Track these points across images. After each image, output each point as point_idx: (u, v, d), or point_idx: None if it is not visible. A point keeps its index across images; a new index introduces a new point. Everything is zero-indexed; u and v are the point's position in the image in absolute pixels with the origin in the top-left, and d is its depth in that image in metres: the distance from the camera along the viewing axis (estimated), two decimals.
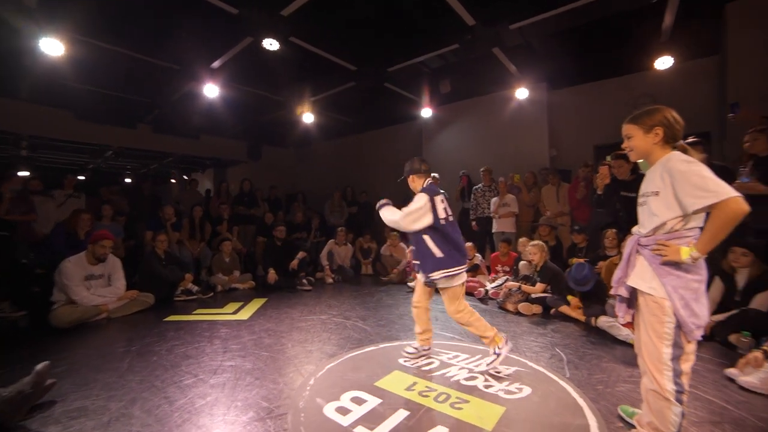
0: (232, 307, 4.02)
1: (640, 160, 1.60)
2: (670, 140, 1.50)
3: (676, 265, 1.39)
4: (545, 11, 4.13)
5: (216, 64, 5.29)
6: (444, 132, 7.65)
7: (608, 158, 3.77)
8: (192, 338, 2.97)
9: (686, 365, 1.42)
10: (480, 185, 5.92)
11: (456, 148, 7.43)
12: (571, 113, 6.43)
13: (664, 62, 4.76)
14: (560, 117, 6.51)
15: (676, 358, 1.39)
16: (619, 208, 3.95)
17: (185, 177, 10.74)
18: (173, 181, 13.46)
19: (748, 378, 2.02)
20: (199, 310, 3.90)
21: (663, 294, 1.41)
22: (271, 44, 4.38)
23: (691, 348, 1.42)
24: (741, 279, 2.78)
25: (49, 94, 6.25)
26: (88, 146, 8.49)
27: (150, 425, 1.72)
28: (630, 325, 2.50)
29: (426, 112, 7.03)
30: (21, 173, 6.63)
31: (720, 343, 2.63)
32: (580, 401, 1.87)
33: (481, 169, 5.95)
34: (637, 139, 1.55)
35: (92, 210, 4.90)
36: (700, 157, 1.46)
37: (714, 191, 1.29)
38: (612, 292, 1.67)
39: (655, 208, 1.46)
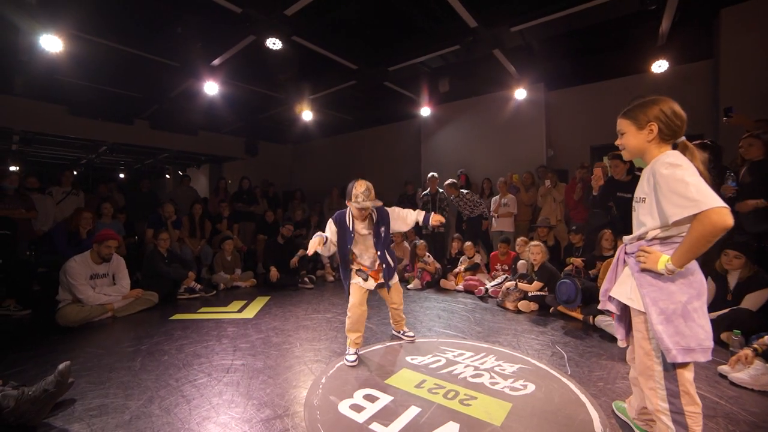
0: (236, 305, 4.06)
1: (636, 159, 1.45)
2: (668, 137, 1.33)
3: (656, 275, 1.28)
4: (546, 15, 4.20)
5: (216, 61, 5.27)
6: (442, 130, 7.71)
7: (605, 159, 3.86)
8: (200, 337, 3.01)
9: (683, 385, 1.27)
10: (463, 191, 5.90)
11: (454, 146, 7.50)
12: (568, 114, 6.53)
13: (660, 66, 4.87)
14: (558, 118, 6.62)
15: (668, 377, 1.28)
16: (612, 209, 4.07)
17: (180, 173, 10.65)
18: (168, 176, 13.35)
19: (739, 374, 2.13)
20: (203, 309, 3.93)
21: (641, 306, 1.31)
22: (274, 44, 4.39)
23: (685, 367, 1.27)
24: (732, 279, 2.90)
25: (43, 89, 6.17)
26: (82, 141, 8.38)
27: (171, 423, 1.77)
28: None
29: (425, 111, 7.09)
30: (12, 168, 6.55)
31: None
32: (583, 397, 1.97)
33: (459, 172, 5.95)
34: (629, 136, 1.39)
35: (92, 207, 4.87)
36: (702, 156, 1.32)
37: (695, 200, 1.14)
38: (600, 306, 1.59)
39: (641, 215, 1.36)
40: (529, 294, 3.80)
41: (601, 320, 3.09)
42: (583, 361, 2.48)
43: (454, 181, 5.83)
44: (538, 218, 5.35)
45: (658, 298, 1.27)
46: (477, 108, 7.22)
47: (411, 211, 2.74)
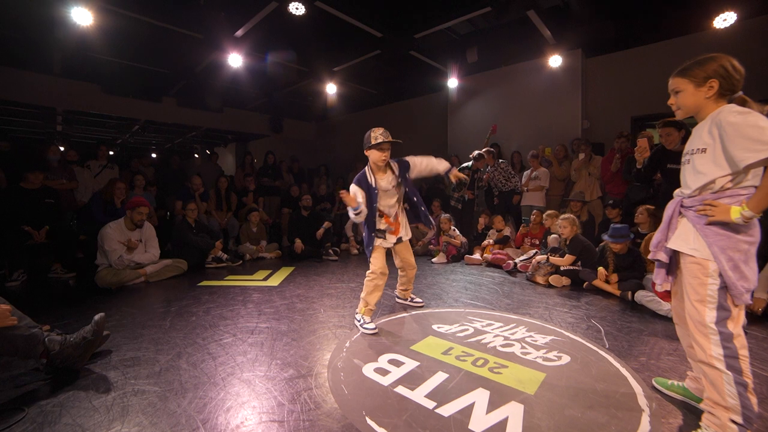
0: (261, 274, 4.12)
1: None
2: (727, 93, 1.33)
3: (725, 224, 1.28)
4: None
5: (240, 32, 5.20)
6: (470, 103, 7.37)
7: (651, 129, 3.52)
8: (226, 301, 3.06)
9: (736, 328, 1.30)
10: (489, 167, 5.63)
11: (483, 120, 7.16)
12: (607, 82, 6.05)
13: (725, 19, 4.28)
14: (595, 86, 6.14)
15: (722, 321, 1.28)
16: (660, 182, 3.75)
17: (207, 151, 10.89)
18: (196, 156, 13.72)
19: None
20: (230, 277, 4.01)
21: (707, 255, 1.31)
22: (297, 8, 4.25)
23: (738, 311, 1.31)
24: None
25: (77, 67, 6.35)
26: (116, 120, 8.68)
27: (197, 377, 1.79)
28: (667, 296, 2.41)
29: (452, 83, 6.78)
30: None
31: None
32: (623, 371, 1.83)
33: (483, 149, 5.62)
34: (687, 95, 1.38)
35: (126, 180, 5.04)
36: (760, 109, 1.29)
37: None
38: (650, 256, 1.56)
39: (700, 166, 1.34)
40: (561, 268, 3.61)
41: (642, 296, 2.88)
42: (622, 335, 2.31)
43: (492, 149, 5.58)
44: (571, 192, 5.06)
45: (726, 247, 1.28)
46: (507, 78, 6.81)
47: (432, 158, 2.65)
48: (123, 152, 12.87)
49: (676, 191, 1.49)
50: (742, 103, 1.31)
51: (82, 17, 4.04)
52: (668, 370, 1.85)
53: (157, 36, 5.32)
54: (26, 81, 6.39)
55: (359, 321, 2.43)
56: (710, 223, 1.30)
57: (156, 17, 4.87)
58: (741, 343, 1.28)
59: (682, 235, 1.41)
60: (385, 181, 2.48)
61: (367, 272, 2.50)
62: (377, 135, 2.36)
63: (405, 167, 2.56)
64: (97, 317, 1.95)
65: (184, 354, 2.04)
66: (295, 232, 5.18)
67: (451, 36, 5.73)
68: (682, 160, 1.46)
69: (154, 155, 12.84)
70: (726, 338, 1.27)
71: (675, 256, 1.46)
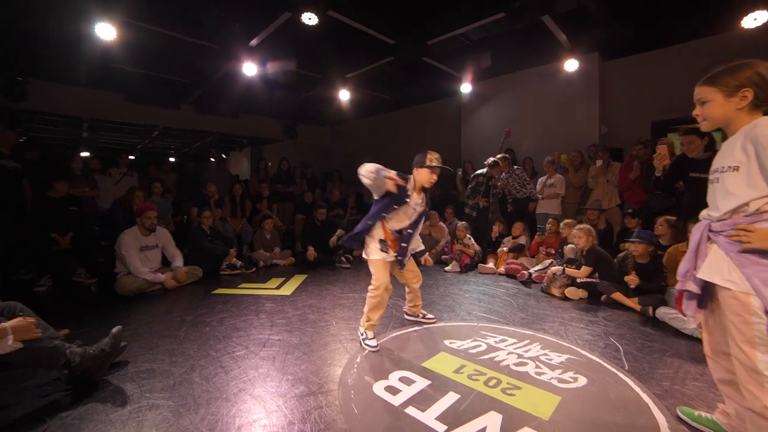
0: (274, 282, 4.16)
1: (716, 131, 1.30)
2: (762, 103, 1.20)
3: (763, 252, 1.13)
4: None
5: (254, 41, 5.29)
6: (484, 108, 7.30)
7: (671, 135, 3.40)
8: (239, 311, 3.10)
9: None
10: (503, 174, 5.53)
11: (496, 125, 7.07)
12: (626, 86, 5.89)
13: (755, 19, 4.04)
14: (614, 90, 5.99)
15: None
16: (682, 191, 3.61)
17: (212, 159, 11.10)
18: (212, 159, 14.02)
19: None
20: (243, 284, 4.07)
21: (746, 289, 1.16)
22: (309, 19, 4.28)
23: None
24: None
25: (102, 78, 6.59)
26: (137, 127, 8.97)
27: (209, 391, 1.81)
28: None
29: (465, 88, 6.72)
30: (83, 153, 7.22)
31: None
32: (644, 397, 1.76)
33: (499, 156, 5.53)
34: (715, 105, 1.25)
35: (144, 187, 5.19)
36: None
37: None
38: (678, 287, 1.41)
39: (732, 186, 1.21)
40: (578, 280, 3.52)
41: (663, 312, 2.77)
42: (643, 356, 2.23)
43: (507, 156, 5.50)
44: (588, 200, 4.94)
45: None
46: (521, 83, 6.72)
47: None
48: (143, 157, 13.27)
49: (703, 213, 1.36)
50: None
51: (106, 32, 4.21)
52: (695, 398, 1.76)
53: (175, 47, 5.46)
54: (56, 92, 6.72)
55: (362, 335, 2.39)
56: (745, 251, 1.17)
57: (174, 29, 5.00)
58: None
59: (714, 265, 1.27)
60: (415, 201, 2.44)
61: (370, 287, 2.40)
62: (433, 158, 2.39)
63: (428, 206, 2.58)
64: (114, 330, 2.01)
65: (198, 367, 2.08)
66: (308, 239, 5.22)
67: (464, 42, 5.67)
68: (710, 178, 1.33)
69: (172, 159, 13.20)
70: None
71: (708, 285, 1.32)
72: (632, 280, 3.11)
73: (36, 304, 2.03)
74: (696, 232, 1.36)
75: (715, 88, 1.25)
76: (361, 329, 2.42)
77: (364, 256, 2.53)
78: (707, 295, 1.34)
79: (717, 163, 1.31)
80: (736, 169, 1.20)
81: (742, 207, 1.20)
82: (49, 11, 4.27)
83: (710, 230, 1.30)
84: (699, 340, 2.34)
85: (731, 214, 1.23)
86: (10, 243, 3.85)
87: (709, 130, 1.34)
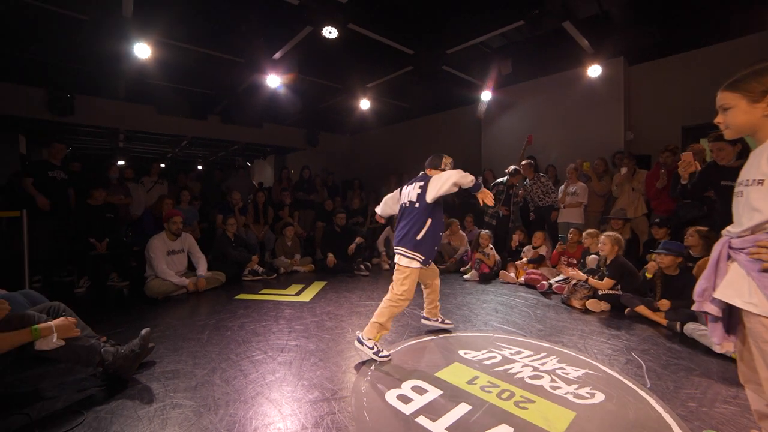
0: (294, 288, 4.26)
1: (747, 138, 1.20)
2: None
3: None
4: None
5: (277, 55, 5.50)
6: (505, 116, 7.24)
7: (703, 141, 3.25)
8: (259, 316, 3.20)
9: None
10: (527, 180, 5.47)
11: (518, 132, 6.99)
12: (654, 90, 5.70)
13: None
14: (640, 96, 5.82)
15: None
16: (714, 199, 3.45)
17: (248, 164, 11.50)
18: (239, 167, 14.53)
19: None
20: (264, 290, 4.19)
21: None
22: (330, 32, 4.42)
23: None
24: None
25: (137, 92, 7.06)
26: (168, 137, 9.47)
27: (229, 394, 1.89)
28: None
29: (486, 95, 6.70)
30: (119, 162, 7.70)
31: None
32: (667, 418, 1.69)
33: (523, 163, 5.45)
34: (738, 112, 1.17)
35: (173, 195, 5.47)
36: None
37: None
38: (695, 308, 1.32)
39: (757, 201, 1.13)
40: (600, 292, 3.41)
41: (692, 329, 2.65)
42: (668, 374, 2.14)
43: (531, 161, 5.44)
44: (612, 209, 4.78)
45: None
46: (543, 90, 6.62)
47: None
48: (173, 165, 13.94)
49: (725, 230, 1.28)
50: None
51: (143, 51, 4.53)
52: (724, 423, 1.65)
53: (203, 62, 5.77)
54: (97, 106, 7.26)
55: (371, 349, 2.23)
56: (766, 270, 1.09)
57: (202, 45, 5.29)
58: None
59: (734, 284, 1.19)
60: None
61: (393, 295, 2.33)
62: (447, 162, 2.58)
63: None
64: (143, 332, 2.15)
65: (218, 369, 2.17)
66: (328, 246, 5.32)
67: (483, 50, 5.68)
68: (735, 191, 1.24)
69: (199, 167, 13.78)
70: None
71: (732, 308, 1.22)
72: (663, 304, 2.98)
73: (75, 304, 2.23)
74: (715, 249, 1.28)
75: (739, 93, 1.17)
76: (370, 342, 2.26)
77: (388, 263, 2.56)
78: (735, 317, 1.24)
79: (743, 175, 1.23)
80: (761, 182, 1.12)
81: (765, 224, 1.12)
82: (96, 35, 4.63)
83: (731, 247, 1.22)
84: (733, 360, 2.20)
85: (752, 231, 1.15)
86: (56, 247, 4.18)
87: (732, 138, 1.26)
